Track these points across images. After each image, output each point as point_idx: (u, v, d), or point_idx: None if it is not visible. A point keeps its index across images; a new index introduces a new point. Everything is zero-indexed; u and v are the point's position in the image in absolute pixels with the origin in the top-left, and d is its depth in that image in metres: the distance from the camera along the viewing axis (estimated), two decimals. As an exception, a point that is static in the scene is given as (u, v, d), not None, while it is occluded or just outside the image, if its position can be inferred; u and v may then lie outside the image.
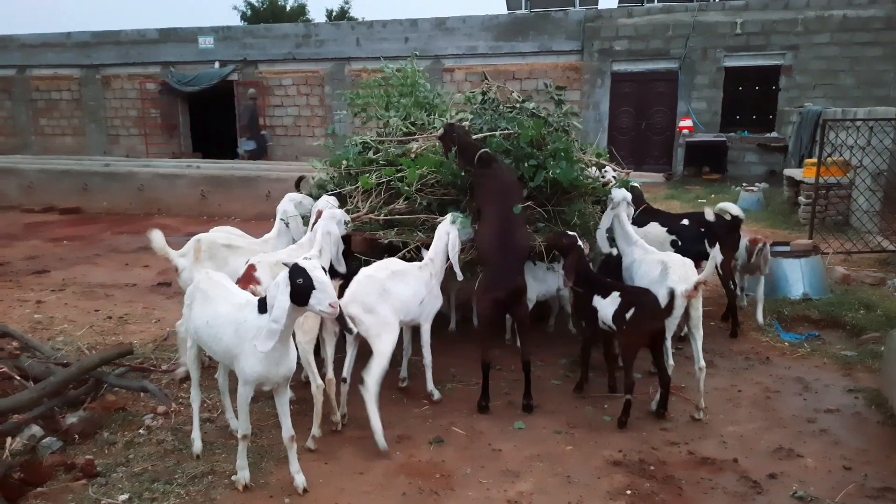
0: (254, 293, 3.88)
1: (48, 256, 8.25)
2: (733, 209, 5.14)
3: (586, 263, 4.17)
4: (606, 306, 3.89)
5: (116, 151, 18.75)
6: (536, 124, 4.79)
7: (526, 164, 4.57)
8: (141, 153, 18.39)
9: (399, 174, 4.74)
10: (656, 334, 3.80)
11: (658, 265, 4.05)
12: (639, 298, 3.82)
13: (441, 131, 4.58)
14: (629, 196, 4.58)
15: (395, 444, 3.62)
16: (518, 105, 5.29)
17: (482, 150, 4.21)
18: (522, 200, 4.27)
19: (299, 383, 4.26)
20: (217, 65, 17.94)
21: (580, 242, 4.12)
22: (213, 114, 18.66)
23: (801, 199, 9.43)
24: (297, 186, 6.02)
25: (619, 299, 3.85)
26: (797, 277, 5.94)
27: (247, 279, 3.97)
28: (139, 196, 11.43)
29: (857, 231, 7.98)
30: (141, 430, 3.70)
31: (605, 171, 5.32)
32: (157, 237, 4.49)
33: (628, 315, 3.75)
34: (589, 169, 4.96)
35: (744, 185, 12.13)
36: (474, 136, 4.67)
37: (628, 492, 3.17)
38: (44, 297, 6.44)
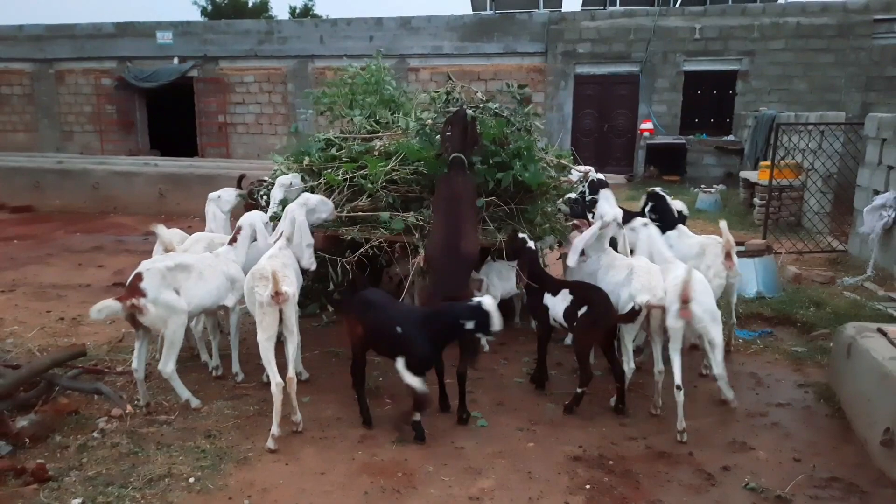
0: (135, 306, 3.64)
1: (-3, 256, 7.96)
2: (678, 206, 5.32)
3: (538, 262, 4.24)
4: (557, 304, 3.97)
5: (70, 148, 18.19)
6: (499, 123, 4.84)
7: (490, 162, 4.62)
8: (96, 150, 17.88)
9: (361, 171, 4.72)
10: (609, 332, 3.88)
11: (625, 269, 4.00)
12: (590, 296, 3.87)
13: (457, 110, 4.44)
14: (619, 217, 4.41)
15: (357, 443, 3.61)
16: (481, 105, 5.32)
17: (455, 154, 4.19)
18: (475, 213, 4.24)
19: (259, 384, 4.21)
20: (176, 61, 17.56)
21: (530, 244, 4.20)
22: (172, 111, 18.25)
23: (756, 200, 9.72)
24: (239, 185, 5.99)
25: (570, 297, 3.92)
26: (751, 276, 6.11)
27: (131, 290, 3.70)
28: (94, 194, 11.12)
29: (808, 231, 8.25)
30: (95, 434, 3.59)
31: (570, 173, 5.39)
32: (163, 231, 4.41)
33: (580, 313, 3.82)
34: (551, 169, 5.01)
35: (702, 186, 12.43)
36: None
37: (588, 486, 3.22)
38: (-8, 297, 6.22)
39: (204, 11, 31.53)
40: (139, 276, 3.76)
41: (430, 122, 5.13)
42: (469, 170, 4.27)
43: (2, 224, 10.06)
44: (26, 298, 6.25)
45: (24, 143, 18.62)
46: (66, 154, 15.89)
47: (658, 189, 4.89)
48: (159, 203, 10.80)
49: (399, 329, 3.49)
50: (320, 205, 4.23)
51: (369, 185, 4.62)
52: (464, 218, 4.02)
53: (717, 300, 4.21)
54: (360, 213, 4.64)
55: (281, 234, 4.06)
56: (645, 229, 4.32)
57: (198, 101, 17.67)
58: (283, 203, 4.85)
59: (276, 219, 4.74)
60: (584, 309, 3.84)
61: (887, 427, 3.27)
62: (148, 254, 5.08)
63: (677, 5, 16.80)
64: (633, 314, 3.75)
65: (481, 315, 3.34)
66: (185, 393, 3.94)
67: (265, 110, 17.53)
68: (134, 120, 18.29)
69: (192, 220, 10.06)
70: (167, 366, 3.84)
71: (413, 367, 3.42)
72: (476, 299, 3.46)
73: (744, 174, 11.16)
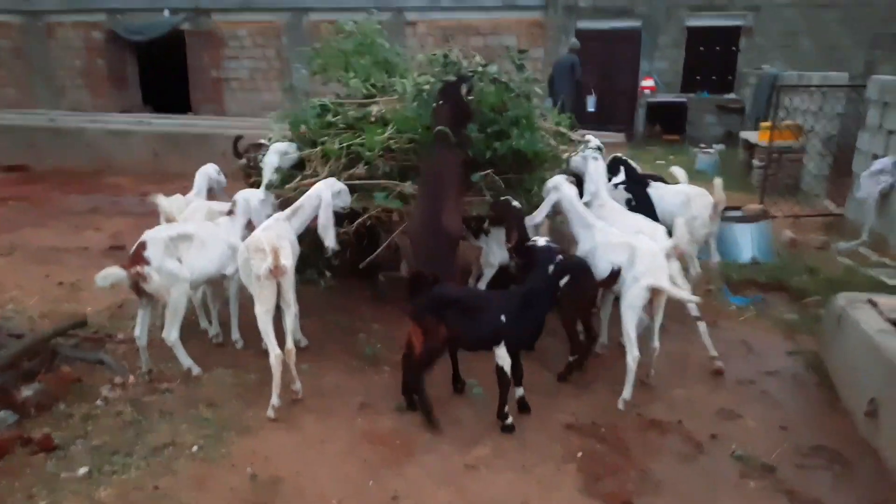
0: (139, 274, 3.73)
1: (-7, 218, 7.94)
2: (680, 175, 5.45)
3: (524, 229, 4.14)
4: None
5: (62, 104, 17.88)
6: (497, 90, 4.76)
7: (488, 131, 4.57)
8: (88, 106, 17.57)
9: (359, 139, 4.68)
10: (590, 302, 3.98)
11: (625, 249, 3.88)
12: (572, 267, 3.85)
13: (453, 82, 4.32)
14: (565, 182, 4.41)
15: (357, 411, 3.69)
16: (480, 69, 5.22)
17: (439, 128, 4.11)
18: (458, 190, 4.15)
19: (259, 351, 4.25)
20: (167, 13, 17.11)
21: (515, 204, 4.12)
22: (164, 65, 17.89)
23: (755, 162, 9.67)
24: (235, 147, 5.84)
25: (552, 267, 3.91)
26: (746, 242, 6.14)
27: (135, 258, 3.79)
28: (88, 153, 10.99)
29: (806, 194, 8.25)
30: (98, 402, 3.67)
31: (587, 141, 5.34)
32: (164, 201, 4.41)
33: (562, 283, 3.83)
34: (549, 138, 4.96)
35: (701, 145, 12.32)
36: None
37: (580, 454, 3.32)
38: (-9, 261, 6.24)
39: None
40: (143, 245, 3.82)
41: (427, 86, 5.03)
42: (461, 142, 4.19)
43: (-3, 185, 9.99)
44: (25, 262, 6.27)
45: (15, 98, 18.28)
46: (58, 111, 15.63)
47: (619, 155, 5.22)
48: (154, 163, 10.70)
49: (504, 317, 3.45)
50: (344, 193, 4.24)
51: (367, 153, 4.59)
52: (445, 195, 3.91)
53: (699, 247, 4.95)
54: (357, 182, 4.62)
55: (298, 207, 4.08)
56: (566, 189, 4.32)
57: (190, 56, 17.29)
58: (279, 171, 4.83)
59: (271, 187, 4.73)
60: (565, 279, 3.86)
61: (872, 398, 3.36)
62: (144, 216, 5.11)
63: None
64: (613, 277, 3.83)
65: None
66: (187, 361, 4.01)
67: (259, 65, 17.18)
68: (126, 75, 17.94)
69: (188, 181, 10.00)
70: (171, 334, 3.91)
71: (521, 348, 3.56)
72: (540, 243, 3.67)
73: (744, 135, 11.05)
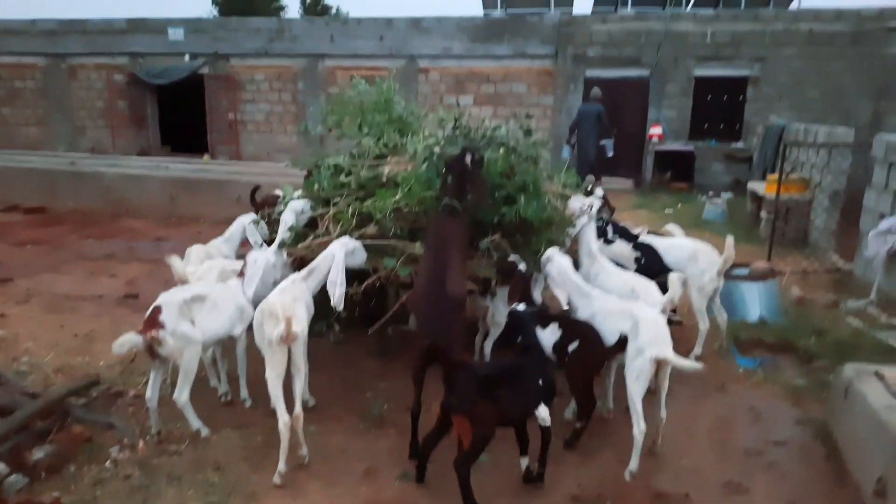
0: (154, 338, 3.80)
1: (12, 262, 8.09)
2: (676, 231, 5.65)
3: (529, 290, 4.22)
4: (546, 337, 3.99)
5: (82, 143, 18.37)
6: (505, 155, 4.87)
7: (495, 195, 4.67)
8: (108, 146, 18.04)
9: (370, 202, 4.79)
10: (598, 367, 4.02)
11: (627, 319, 3.90)
12: (580, 332, 3.92)
13: (458, 154, 4.31)
14: (557, 254, 4.49)
15: (362, 478, 3.70)
16: (489, 133, 5.34)
17: (446, 200, 4.10)
18: (463, 257, 4.11)
19: (267, 410, 4.29)
20: (187, 57, 17.63)
21: (521, 266, 4.21)
22: (182, 107, 18.36)
23: (763, 214, 9.71)
24: (253, 198, 5.93)
25: (559, 331, 3.95)
26: (754, 300, 6.15)
27: (151, 322, 3.85)
28: (106, 197, 11.25)
29: (813, 249, 8.26)
30: (107, 464, 3.71)
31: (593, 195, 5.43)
32: (177, 264, 4.52)
33: (570, 348, 3.88)
34: (556, 200, 5.05)
35: (710, 193, 12.40)
36: None
37: (585, 529, 3.31)
38: (7, 309, 6.34)
39: (215, 1, 31.62)
40: (158, 309, 3.89)
41: (437, 149, 5.15)
42: (466, 209, 4.22)
43: (16, 227, 10.21)
44: (40, 310, 6.38)
45: (37, 137, 18.81)
46: (78, 153, 16.05)
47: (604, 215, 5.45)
48: (170, 206, 10.92)
49: (542, 380, 3.54)
50: (358, 251, 4.31)
51: (378, 215, 4.69)
52: (450, 259, 3.86)
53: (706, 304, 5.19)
54: (368, 242, 4.71)
55: (314, 267, 4.16)
56: (556, 262, 4.39)
57: (208, 99, 17.75)
58: (293, 229, 4.94)
59: (283, 245, 4.84)
60: (574, 344, 3.91)
61: (880, 476, 3.34)
62: (158, 263, 5.21)
63: (689, 9, 16.71)
64: (621, 345, 3.86)
65: None
66: (196, 422, 4.05)
67: (275, 109, 17.59)
68: (145, 116, 18.41)
69: (202, 225, 10.20)
70: (182, 395, 3.96)
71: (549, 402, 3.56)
72: (520, 308, 3.88)
73: (751, 186, 11.11)
